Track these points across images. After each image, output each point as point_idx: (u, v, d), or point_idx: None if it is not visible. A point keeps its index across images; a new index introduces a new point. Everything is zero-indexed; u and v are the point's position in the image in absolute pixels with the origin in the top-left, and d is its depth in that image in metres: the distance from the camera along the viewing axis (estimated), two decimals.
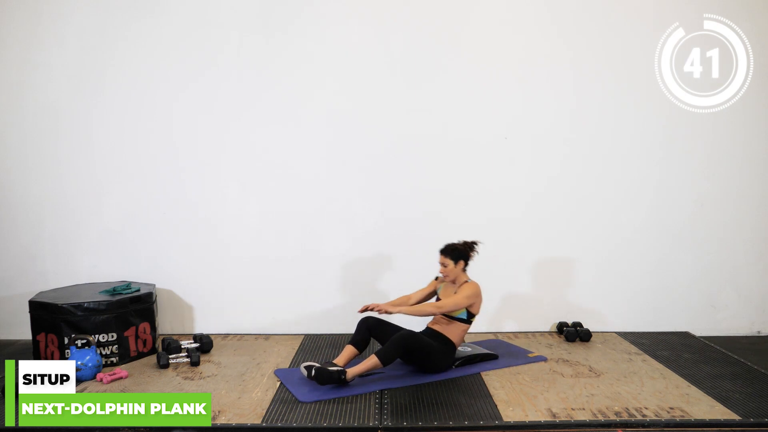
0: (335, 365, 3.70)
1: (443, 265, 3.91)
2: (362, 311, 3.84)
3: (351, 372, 3.55)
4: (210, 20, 4.69)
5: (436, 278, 4.09)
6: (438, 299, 4.02)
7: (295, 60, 4.69)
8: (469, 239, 4.00)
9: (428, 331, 3.94)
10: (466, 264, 3.97)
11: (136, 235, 4.79)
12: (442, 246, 3.96)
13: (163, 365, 4.01)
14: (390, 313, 3.76)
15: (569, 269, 4.81)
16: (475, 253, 3.99)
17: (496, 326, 4.84)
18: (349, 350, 3.83)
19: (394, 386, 3.61)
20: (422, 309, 3.82)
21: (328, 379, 3.48)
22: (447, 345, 3.85)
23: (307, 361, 3.84)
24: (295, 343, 4.54)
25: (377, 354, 3.58)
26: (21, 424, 3.06)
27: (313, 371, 3.52)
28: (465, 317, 3.88)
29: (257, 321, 4.82)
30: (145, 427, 3.09)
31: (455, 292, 3.90)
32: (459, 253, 3.91)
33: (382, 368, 3.63)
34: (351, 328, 4.51)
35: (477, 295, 3.87)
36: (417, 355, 3.71)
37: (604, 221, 4.78)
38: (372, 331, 3.90)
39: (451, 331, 3.87)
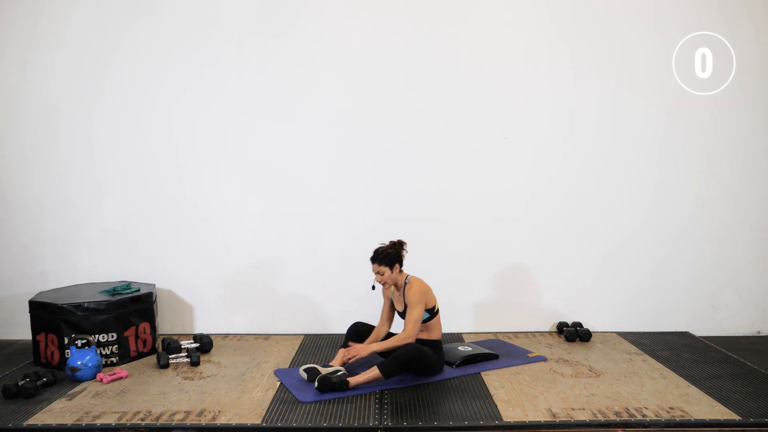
0: (332, 367, 3.72)
1: (379, 273, 3.77)
2: (344, 362, 3.76)
3: (353, 381, 3.54)
4: (210, 20, 4.69)
5: (373, 288, 4.00)
6: (393, 306, 3.98)
7: (295, 60, 4.69)
8: (395, 239, 3.87)
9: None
10: (401, 266, 3.82)
11: (136, 235, 4.79)
12: (371, 254, 3.81)
13: (163, 365, 4.01)
14: (364, 355, 3.71)
15: (569, 269, 4.81)
16: (405, 251, 3.86)
17: (496, 326, 4.83)
18: (342, 353, 3.84)
19: (394, 386, 3.61)
20: (392, 344, 3.70)
21: (330, 387, 3.47)
22: (436, 346, 3.85)
23: (306, 364, 3.84)
24: (295, 343, 4.54)
25: (380, 367, 3.56)
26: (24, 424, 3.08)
27: (317, 383, 3.50)
28: (428, 316, 3.83)
29: (257, 321, 4.82)
30: (145, 427, 3.10)
31: (403, 297, 3.83)
32: (391, 257, 3.77)
33: (384, 381, 3.62)
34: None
35: (424, 292, 3.77)
36: (416, 369, 3.70)
37: (604, 221, 4.78)
38: (360, 336, 3.95)
39: (431, 333, 3.87)
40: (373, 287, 3.98)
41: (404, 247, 3.87)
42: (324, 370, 3.66)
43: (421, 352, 3.64)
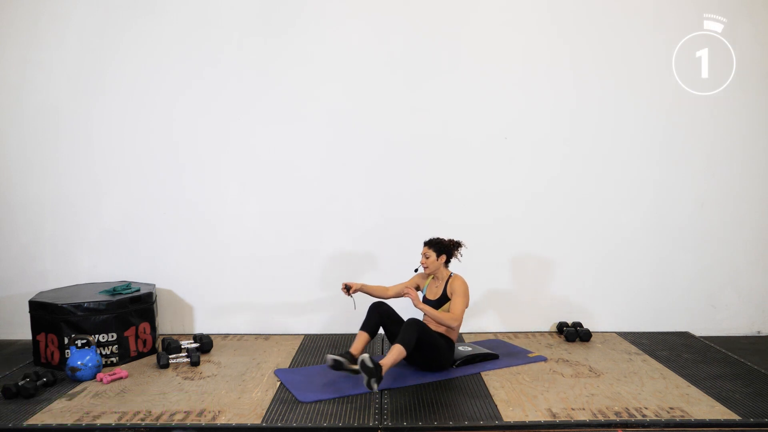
0: (352, 354, 3.69)
1: (425, 256, 3.95)
2: (405, 294, 3.85)
3: (383, 363, 3.45)
4: (210, 20, 4.69)
5: (416, 270, 4.07)
6: (424, 295, 4.04)
7: (295, 60, 4.70)
8: (456, 238, 4.05)
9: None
10: (448, 260, 4.01)
11: (136, 235, 4.79)
12: (427, 239, 4.02)
13: (163, 365, 4.01)
14: (416, 305, 3.79)
15: (569, 269, 4.81)
16: (460, 254, 4.04)
17: (496, 326, 4.84)
18: (362, 337, 3.82)
19: (394, 386, 3.61)
20: (440, 316, 3.80)
21: (369, 372, 3.35)
22: (448, 343, 3.86)
23: (331, 354, 3.69)
24: (295, 343, 4.54)
25: (400, 342, 3.52)
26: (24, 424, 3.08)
27: (359, 364, 3.38)
28: None
29: (257, 321, 4.82)
30: (145, 427, 3.10)
31: (443, 288, 3.91)
32: (443, 247, 3.96)
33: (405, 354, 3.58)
34: (351, 328, 4.52)
35: (468, 287, 3.92)
36: (425, 347, 3.68)
37: (604, 221, 4.79)
38: (383, 317, 3.89)
39: (450, 331, 3.89)
40: (416, 270, 4.06)
41: (459, 249, 4.03)
42: (348, 365, 3.61)
43: (425, 325, 3.66)
